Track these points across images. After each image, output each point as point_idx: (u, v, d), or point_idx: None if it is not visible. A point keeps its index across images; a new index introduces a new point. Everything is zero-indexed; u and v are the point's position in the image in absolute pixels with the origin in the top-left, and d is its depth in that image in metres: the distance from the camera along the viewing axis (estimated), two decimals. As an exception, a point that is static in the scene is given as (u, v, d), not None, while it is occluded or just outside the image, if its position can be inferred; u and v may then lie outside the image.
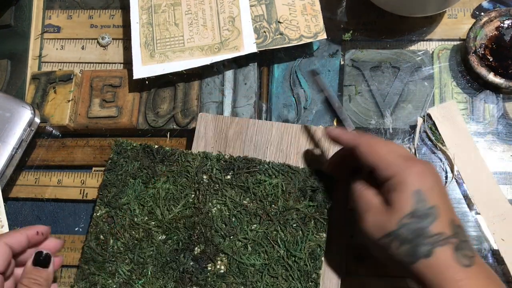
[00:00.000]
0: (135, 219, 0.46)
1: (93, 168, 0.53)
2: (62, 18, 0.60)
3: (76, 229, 0.51)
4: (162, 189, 0.46)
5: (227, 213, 0.45)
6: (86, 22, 0.59)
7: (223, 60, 0.53)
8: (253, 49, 0.52)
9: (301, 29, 0.53)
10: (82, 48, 0.58)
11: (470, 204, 0.48)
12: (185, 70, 0.53)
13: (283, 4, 0.54)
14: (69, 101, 0.54)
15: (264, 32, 0.53)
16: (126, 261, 0.45)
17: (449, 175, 0.49)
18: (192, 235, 0.45)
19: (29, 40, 0.59)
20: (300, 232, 0.43)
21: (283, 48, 0.53)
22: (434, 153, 0.50)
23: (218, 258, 0.44)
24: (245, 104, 0.53)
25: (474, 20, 0.53)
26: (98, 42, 0.58)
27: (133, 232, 0.46)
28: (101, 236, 0.46)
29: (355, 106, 0.52)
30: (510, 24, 0.52)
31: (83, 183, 0.53)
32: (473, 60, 0.51)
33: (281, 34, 0.53)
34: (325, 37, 0.52)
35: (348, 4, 0.57)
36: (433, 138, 0.50)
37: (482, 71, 0.51)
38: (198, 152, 0.47)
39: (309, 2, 0.54)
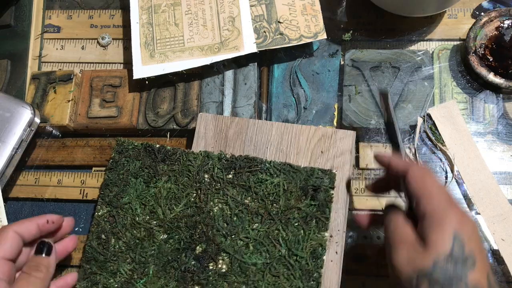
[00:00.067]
0: (137, 218, 0.46)
1: (93, 168, 0.53)
2: (62, 18, 0.60)
3: (76, 229, 0.51)
4: (164, 188, 0.46)
5: (229, 212, 0.45)
6: (86, 22, 0.59)
7: (223, 60, 0.53)
8: (253, 49, 0.52)
9: (301, 29, 0.53)
10: (82, 48, 0.58)
11: (470, 204, 0.48)
12: (185, 70, 0.53)
13: (283, 4, 0.54)
14: (69, 101, 0.54)
15: (264, 32, 0.53)
16: (127, 260, 0.45)
17: (449, 175, 0.49)
18: (193, 234, 0.45)
19: (29, 40, 0.59)
20: (302, 231, 0.43)
21: (283, 48, 0.53)
22: (434, 153, 0.50)
23: (220, 257, 0.44)
24: (245, 104, 0.53)
25: (474, 20, 0.53)
26: (98, 42, 0.58)
27: (135, 232, 0.46)
28: (103, 236, 0.46)
29: (355, 106, 0.52)
30: (510, 24, 0.52)
31: (83, 183, 0.53)
32: (473, 60, 0.51)
33: (281, 34, 0.53)
34: (325, 37, 0.52)
35: (348, 4, 0.57)
36: (433, 138, 0.50)
37: (482, 71, 0.51)
38: (200, 151, 0.47)
39: (309, 2, 0.54)
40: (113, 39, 0.58)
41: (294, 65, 0.54)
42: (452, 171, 0.49)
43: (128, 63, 0.57)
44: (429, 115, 0.51)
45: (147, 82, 0.54)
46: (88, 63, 0.58)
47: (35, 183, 0.53)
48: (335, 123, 0.52)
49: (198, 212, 0.45)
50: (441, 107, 0.51)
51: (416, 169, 0.37)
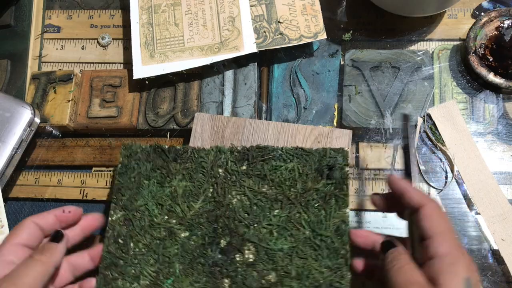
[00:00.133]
0: (155, 219, 0.45)
1: (93, 168, 0.53)
2: (62, 18, 0.60)
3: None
4: (179, 186, 0.46)
5: (248, 203, 0.45)
6: (86, 22, 0.59)
7: (223, 60, 0.53)
8: (253, 49, 0.52)
9: (301, 29, 0.53)
10: (82, 48, 0.58)
11: (470, 204, 0.48)
12: (185, 70, 0.53)
13: (283, 4, 0.54)
14: (69, 101, 0.54)
15: (264, 32, 0.53)
16: (150, 262, 0.44)
17: (449, 175, 0.49)
18: (216, 228, 0.44)
19: (29, 40, 0.59)
20: (323, 211, 0.43)
21: (283, 48, 0.53)
22: (434, 153, 0.50)
23: (245, 248, 0.44)
24: (245, 104, 0.53)
25: (474, 20, 0.53)
26: (98, 42, 0.58)
27: (154, 232, 0.45)
28: (120, 240, 0.45)
29: (355, 106, 0.52)
30: (510, 24, 0.52)
31: (83, 183, 0.53)
32: (473, 60, 0.51)
33: (281, 34, 0.53)
34: (325, 37, 0.52)
35: (348, 4, 0.57)
36: (433, 138, 0.50)
37: (482, 71, 0.51)
38: (211, 147, 0.47)
39: (309, 2, 0.54)
40: (113, 39, 0.58)
41: (294, 65, 0.54)
42: (452, 171, 0.49)
43: (128, 63, 0.57)
44: (429, 115, 0.51)
45: (147, 82, 0.54)
46: (88, 63, 0.58)
47: (35, 183, 0.53)
48: (335, 123, 0.52)
49: (217, 206, 0.45)
50: (441, 107, 0.51)
51: (433, 206, 0.36)
